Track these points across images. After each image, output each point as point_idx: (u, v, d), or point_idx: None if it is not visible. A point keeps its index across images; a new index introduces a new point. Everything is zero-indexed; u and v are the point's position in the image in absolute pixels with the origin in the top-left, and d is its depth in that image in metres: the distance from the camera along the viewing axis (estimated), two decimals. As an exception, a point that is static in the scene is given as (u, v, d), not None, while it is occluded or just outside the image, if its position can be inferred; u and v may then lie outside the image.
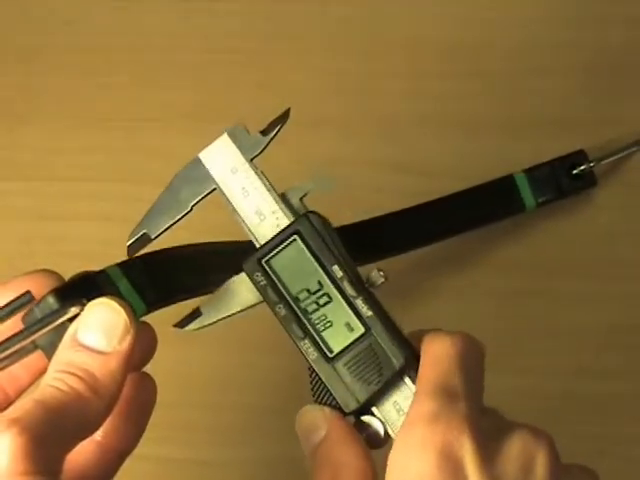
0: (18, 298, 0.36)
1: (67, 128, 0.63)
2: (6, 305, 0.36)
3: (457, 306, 0.59)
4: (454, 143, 0.61)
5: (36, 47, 0.64)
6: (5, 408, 0.38)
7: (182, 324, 0.40)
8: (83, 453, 0.38)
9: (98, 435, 0.38)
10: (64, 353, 0.35)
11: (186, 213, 0.39)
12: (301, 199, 0.40)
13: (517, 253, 0.59)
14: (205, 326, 0.40)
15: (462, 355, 0.37)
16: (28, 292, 0.36)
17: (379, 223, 0.53)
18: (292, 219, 0.39)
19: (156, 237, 0.39)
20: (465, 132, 0.61)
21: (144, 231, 0.39)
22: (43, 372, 0.37)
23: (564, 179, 0.58)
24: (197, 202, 0.39)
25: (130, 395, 0.38)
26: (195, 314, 0.40)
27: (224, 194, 0.39)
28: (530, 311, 0.58)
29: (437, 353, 0.37)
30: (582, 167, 0.58)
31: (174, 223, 0.39)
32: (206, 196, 0.39)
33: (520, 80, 0.61)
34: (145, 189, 0.60)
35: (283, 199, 0.39)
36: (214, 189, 0.39)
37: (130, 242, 0.39)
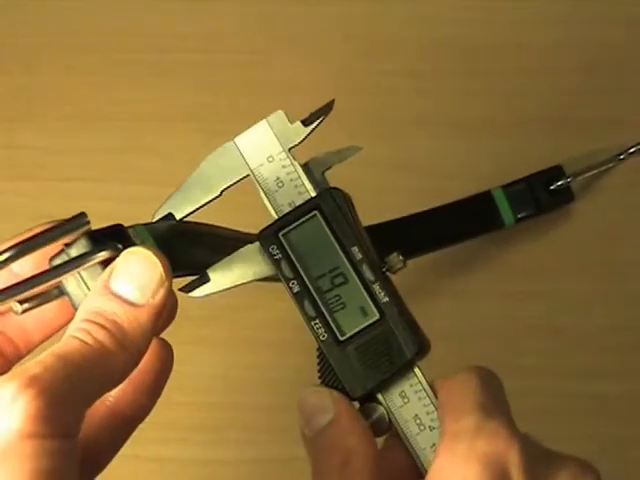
0: (74, 218, 0.34)
1: (67, 128, 0.63)
2: (63, 223, 0.34)
3: (458, 307, 0.59)
4: (454, 143, 0.61)
5: (36, 47, 0.64)
6: (15, 362, 0.37)
7: (188, 289, 0.38)
8: (93, 417, 0.37)
9: (109, 400, 0.37)
10: (94, 300, 0.34)
11: (215, 197, 0.38)
12: (323, 173, 0.39)
13: (517, 255, 0.59)
14: (212, 294, 0.38)
15: (484, 379, 0.36)
16: (83, 213, 0.34)
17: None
18: (314, 193, 0.38)
19: (181, 219, 0.38)
20: (464, 132, 0.61)
21: (170, 211, 0.38)
22: (56, 331, 0.36)
23: (542, 194, 0.59)
24: (227, 187, 0.38)
25: (147, 360, 0.37)
26: (202, 279, 0.38)
27: (257, 182, 0.38)
28: (530, 311, 0.58)
29: (458, 383, 0.36)
30: (559, 182, 0.58)
31: (202, 206, 0.38)
32: (237, 182, 0.38)
33: (520, 80, 0.61)
34: (145, 189, 0.61)
35: (305, 170, 0.38)
36: (247, 175, 0.38)
37: (155, 220, 0.38)
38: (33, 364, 0.31)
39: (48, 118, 0.63)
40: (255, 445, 0.58)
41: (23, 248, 0.34)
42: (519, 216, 0.58)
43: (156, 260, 0.34)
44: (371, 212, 0.56)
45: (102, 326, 0.33)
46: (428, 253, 0.58)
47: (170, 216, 0.38)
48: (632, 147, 0.59)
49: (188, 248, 0.40)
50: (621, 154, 0.59)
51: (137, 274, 0.34)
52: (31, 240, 0.34)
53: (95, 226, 0.60)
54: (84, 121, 0.63)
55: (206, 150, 0.66)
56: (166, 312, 0.36)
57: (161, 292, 0.34)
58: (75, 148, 0.62)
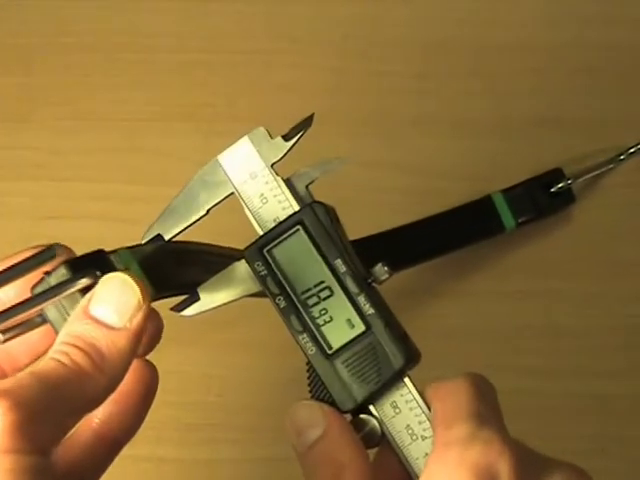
0: (43, 251, 0.35)
1: (67, 128, 0.63)
2: (30, 258, 0.35)
3: (458, 307, 0.59)
4: (454, 143, 0.61)
5: (36, 47, 0.64)
6: None
7: (179, 308, 0.38)
8: (78, 439, 0.37)
9: (95, 422, 0.37)
10: (73, 324, 0.34)
11: (202, 216, 0.38)
12: (307, 187, 0.38)
13: (518, 255, 0.59)
14: (203, 312, 0.38)
15: (477, 386, 0.36)
16: (54, 245, 0.35)
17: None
18: (297, 208, 0.38)
19: (170, 239, 0.39)
20: (464, 132, 0.61)
21: (158, 232, 0.38)
22: (43, 354, 0.37)
23: (542, 197, 0.58)
24: (213, 206, 0.38)
25: (131, 381, 0.37)
26: (192, 298, 0.38)
27: (242, 199, 0.38)
28: (530, 311, 0.58)
29: (451, 390, 0.36)
30: (559, 185, 0.58)
31: (189, 226, 0.38)
32: (223, 200, 0.38)
33: (520, 80, 0.61)
34: (145, 189, 0.61)
35: (288, 185, 0.38)
36: (232, 193, 0.38)
37: (144, 242, 0.39)
38: (7, 380, 0.31)
39: (48, 118, 0.63)
40: (252, 445, 0.58)
41: None
42: (520, 220, 0.58)
43: (134, 285, 0.34)
44: (370, 212, 0.56)
45: (80, 348, 0.33)
46: (430, 260, 0.58)
47: (159, 237, 0.39)
48: (632, 147, 0.59)
49: (178, 267, 0.40)
50: (621, 154, 0.59)
51: (115, 299, 0.34)
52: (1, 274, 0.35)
53: (95, 226, 0.61)
54: (84, 121, 0.63)
55: (205, 150, 0.66)
56: (149, 336, 0.37)
57: (139, 316, 0.34)
58: (75, 148, 0.62)
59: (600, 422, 0.57)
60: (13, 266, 0.35)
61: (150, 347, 0.39)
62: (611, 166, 0.59)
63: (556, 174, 0.59)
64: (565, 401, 0.57)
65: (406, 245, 0.57)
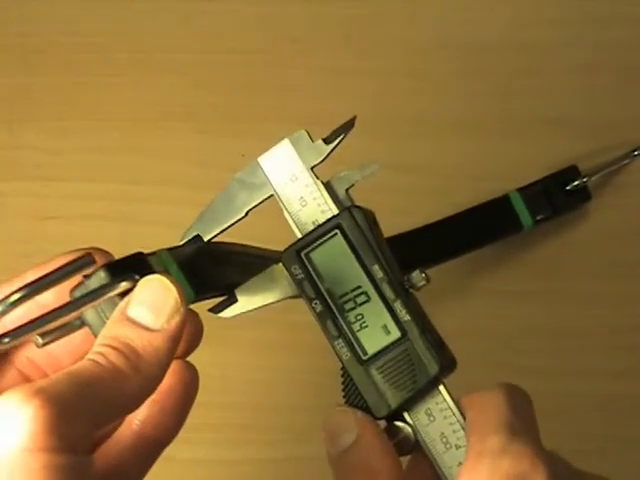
0: (79, 258, 0.34)
1: (67, 128, 0.63)
2: (66, 264, 0.34)
3: (459, 307, 0.59)
4: (453, 143, 0.61)
5: (36, 47, 0.64)
6: None
7: (217, 309, 0.39)
8: (119, 441, 0.37)
9: (135, 424, 0.37)
10: (110, 327, 0.34)
11: (241, 218, 0.38)
12: (347, 190, 0.38)
13: (519, 255, 0.59)
14: (240, 314, 0.39)
15: (512, 397, 0.36)
16: (89, 254, 0.34)
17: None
18: (336, 212, 0.38)
19: (209, 240, 0.39)
20: (464, 132, 0.61)
21: (197, 233, 0.39)
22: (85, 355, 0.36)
23: (558, 195, 0.58)
24: (252, 208, 0.38)
25: (171, 382, 0.37)
26: (231, 300, 0.39)
27: (281, 202, 0.38)
28: (531, 311, 0.58)
29: (486, 401, 0.36)
30: (575, 183, 0.58)
31: (228, 227, 0.39)
32: (262, 202, 0.38)
33: (520, 80, 0.61)
34: (144, 189, 0.61)
35: (327, 188, 0.38)
36: (271, 195, 0.38)
37: (182, 242, 0.39)
38: (42, 380, 0.31)
39: (48, 118, 0.63)
40: (253, 445, 0.58)
41: (30, 291, 0.34)
42: (538, 218, 0.58)
43: (171, 287, 0.34)
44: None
45: (115, 348, 0.33)
46: (450, 260, 0.58)
47: (198, 238, 0.39)
48: (646, 143, 0.59)
49: (217, 268, 0.40)
50: (635, 150, 0.59)
51: (151, 300, 0.34)
52: (37, 282, 0.34)
53: (95, 225, 0.61)
54: (84, 121, 0.63)
55: (205, 150, 0.66)
56: (188, 337, 0.37)
57: (176, 318, 0.34)
58: (75, 148, 0.62)
59: (601, 422, 0.57)
60: (52, 272, 0.34)
61: (191, 348, 0.38)
62: (626, 162, 0.59)
63: (571, 172, 0.59)
64: (567, 401, 0.57)
65: (424, 246, 0.57)
